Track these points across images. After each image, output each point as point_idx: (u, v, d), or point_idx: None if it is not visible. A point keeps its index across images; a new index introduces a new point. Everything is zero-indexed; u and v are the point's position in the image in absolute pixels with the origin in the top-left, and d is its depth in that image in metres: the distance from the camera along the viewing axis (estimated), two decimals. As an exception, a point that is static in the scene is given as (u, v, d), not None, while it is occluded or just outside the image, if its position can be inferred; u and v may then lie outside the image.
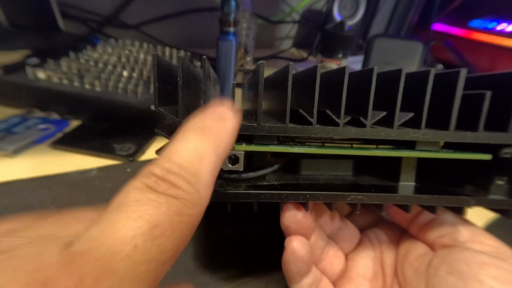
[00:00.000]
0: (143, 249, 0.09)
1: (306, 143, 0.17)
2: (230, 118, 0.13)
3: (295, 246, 0.17)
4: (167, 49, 0.54)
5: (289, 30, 0.88)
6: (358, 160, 0.20)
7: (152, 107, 0.14)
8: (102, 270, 0.09)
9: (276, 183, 0.18)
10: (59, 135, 0.36)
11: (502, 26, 0.57)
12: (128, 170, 0.32)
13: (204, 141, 0.12)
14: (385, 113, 0.15)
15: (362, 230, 0.22)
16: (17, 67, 0.41)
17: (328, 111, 0.15)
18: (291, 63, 0.14)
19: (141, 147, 0.35)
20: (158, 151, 0.15)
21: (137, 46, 0.53)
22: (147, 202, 0.10)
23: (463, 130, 0.15)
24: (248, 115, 0.18)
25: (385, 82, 0.15)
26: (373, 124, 0.15)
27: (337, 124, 0.15)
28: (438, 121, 0.15)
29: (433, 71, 0.15)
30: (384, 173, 0.20)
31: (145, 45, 0.53)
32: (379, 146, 0.17)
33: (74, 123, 0.39)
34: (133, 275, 0.09)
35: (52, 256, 0.09)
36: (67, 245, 0.09)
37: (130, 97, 0.38)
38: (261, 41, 0.76)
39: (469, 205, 0.17)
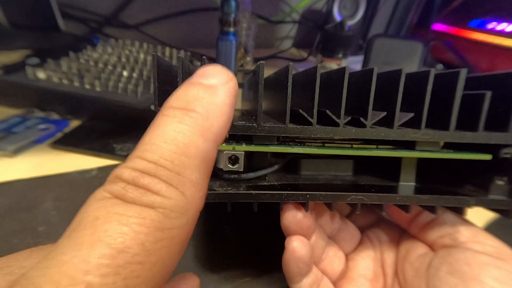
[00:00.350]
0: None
1: (306, 143, 0.17)
2: (222, 84, 0.10)
3: (296, 246, 0.17)
4: (167, 49, 0.54)
5: (289, 30, 0.88)
6: (358, 160, 0.20)
7: (152, 107, 0.14)
8: None
9: (276, 183, 0.18)
10: (59, 135, 0.36)
11: (502, 26, 0.57)
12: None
13: (188, 123, 0.09)
14: (385, 113, 0.15)
15: (363, 230, 0.22)
16: (17, 67, 0.41)
17: (328, 111, 0.15)
18: (291, 63, 0.14)
19: (141, 147, 0.35)
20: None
21: (137, 46, 0.53)
22: (109, 218, 0.07)
23: (463, 130, 0.15)
24: (248, 115, 0.18)
25: (385, 83, 0.15)
26: (373, 124, 0.15)
27: (337, 125, 0.15)
28: (438, 121, 0.15)
29: (433, 71, 0.15)
30: (384, 173, 0.20)
31: (145, 45, 0.53)
32: (379, 146, 0.17)
33: (74, 123, 0.39)
34: None
35: None
36: (13, 283, 0.07)
37: (130, 97, 0.38)
38: (261, 41, 0.76)
39: (469, 205, 0.17)
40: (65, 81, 0.39)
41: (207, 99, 0.09)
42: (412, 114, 0.15)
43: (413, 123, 0.15)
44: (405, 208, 0.17)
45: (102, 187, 0.08)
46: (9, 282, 0.07)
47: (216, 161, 0.17)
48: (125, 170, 0.08)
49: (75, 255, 0.07)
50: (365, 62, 0.56)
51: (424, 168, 0.19)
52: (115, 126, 0.38)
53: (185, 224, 0.08)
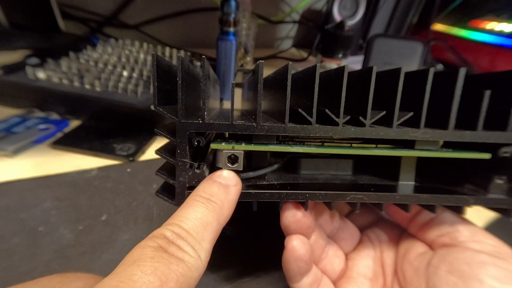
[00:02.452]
0: None
1: (306, 143, 0.17)
2: (233, 186, 0.15)
3: (295, 245, 0.17)
4: (167, 49, 0.54)
5: (289, 30, 0.88)
6: (357, 160, 0.20)
7: (152, 107, 0.14)
8: None
9: (275, 182, 0.18)
10: (59, 135, 0.36)
11: (502, 26, 0.57)
12: (128, 170, 0.32)
13: (210, 210, 0.14)
14: (384, 112, 0.15)
15: (362, 229, 0.22)
16: (17, 67, 0.41)
17: (327, 110, 0.15)
18: (290, 62, 0.14)
19: (141, 147, 0.35)
20: (158, 151, 0.15)
21: (137, 46, 0.53)
22: (160, 260, 0.11)
23: (462, 129, 0.15)
24: (247, 114, 0.18)
25: (385, 82, 0.15)
26: (373, 123, 0.15)
27: (336, 124, 0.15)
28: (438, 120, 0.16)
29: (432, 70, 0.15)
30: (383, 172, 0.20)
31: (145, 45, 0.53)
32: (379, 146, 0.17)
33: (74, 123, 0.39)
34: None
35: None
36: None
37: (130, 97, 0.38)
38: (261, 41, 0.76)
39: (469, 204, 0.17)
40: (65, 81, 0.39)
41: (224, 197, 0.14)
42: (411, 113, 0.15)
43: (412, 122, 0.15)
44: (404, 207, 0.17)
45: (152, 239, 0.12)
46: None
47: (216, 160, 0.17)
48: (167, 231, 0.12)
49: (140, 277, 0.10)
50: (365, 62, 0.56)
51: (424, 167, 0.19)
52: (115, 126, 0.38)
53: (197, 277, 0.12)
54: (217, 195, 0.14)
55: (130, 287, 0.10)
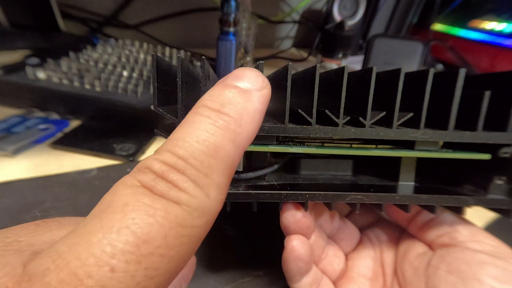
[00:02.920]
0: (123, 274, 0.07)
1: (306, 143, 0.17)
2: (257, 90, 0.10)
3: (295, 245, 0.17)
4: (167, 49, 0.54)
5: (289, 30, 0.88)
6: (357, 160, 0.20)
7: (152, 107, 0.14)
8: None
9: (275, 183, 0.18)
10: (59, 135, 0.36)
11: (502, 26, 0.57)
12: (128, 170, 0.32)
13: (220, 126, 0.09)
14: (384, 113, 0.15)
15: (362, 229, 0.22)
16: (17, 67, 0.41)
17: (327, 111, 0.15)
18: (290, 63, 0.14)
19: (141, 147, 0.35)
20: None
21: (137, 46, 0.53)
22: (138, 207, 0.08)
23: (462, 130, 0.15)
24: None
25: (385, 82, 0.15)
26: (372, 124, 0.15)
27: (336, 124, 0.15)
28: (437, 121, 0.16)
29: (432, 71, 0.15)
30: (383, 173, 0.20)
31: (145, 45, 0.53)
32: (379, 146, 0.17)
33: (74, 123, 0.39)
34: None
35: (11, 271, 0.07)
36: (34, 255, 0.07)
37: (130, 97, 0.38)
38: (261, 41, 0.76)
39: (468, 204, 0.17)
40: (65, 81, 0.39)
41: (241, 105, 0.10)
42: (411, 114, 0.15)
43: (412, 123, 0.15)
44: (404, 207, 0.17)
45: (132, 175, 0.08)
46: (27, 255, 0.08)
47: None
48: (156, 163, 0.08)
49: (103, 237, 0.07)
50: (365, 62, 0.56)
51: (424, 167, 0.19)
52: (115, 126, 0.38)
53: (205, 224, 0.09)
54: (232, 104, 0.10)
55: (83, 254, 0.07)
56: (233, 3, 0.42)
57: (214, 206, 0.09)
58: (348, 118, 0.15)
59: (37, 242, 0.09)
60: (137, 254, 0.07)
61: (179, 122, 0.14)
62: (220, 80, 0.11)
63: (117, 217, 0.07)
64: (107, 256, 0.07)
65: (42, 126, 0.36)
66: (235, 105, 0.10)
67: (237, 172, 0.17)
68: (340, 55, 0.58)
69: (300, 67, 0.69)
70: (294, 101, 0.15)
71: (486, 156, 0.16)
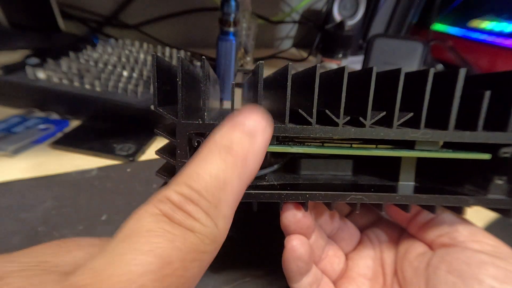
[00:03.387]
0: None
1: (306, 143, 0.17)
2: (261, 132, 0.11)
3: (295, 244, 0.17)
4: (167, 49, 0.54)
5: (289, 30, 0.88)
6: (357, 160, 0.20)
7: (152, 107, 0.14)
8: None
9: (275, 183, 0.18)
10: (59, 135, 0.36)
11: (502, 26, 0.57)
12: (128, 170, 0.32)
13: (229, 164, 0.10)
14: (384, 113, 0.15)
15: (362, 229, 0.22)
16: (17, 67, 0.41)
17: (327, 111, 0.15)
18: (290, 63, 0.14)
19: (141, 147, 0.35)
20: (158, 152, 0.15)
21: (137, 46, 0.53)
22: (161, 233, 0.09)
23: (462, 129, 0.15)
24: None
25: (385, 82, 0.15)
26: (373, 124, 0.15)
27: (336, 124, 0.15)
28: (437, 121, 0.16)
29: (432, 71, 0.15)
30: (383, 172, 0.20)
31: (145, 45, 0.53)
32: (379, 146, 0.17)
33: (74, 123, 0.39)
34: None
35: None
36: (66, 275, 0.08)
37: (130, 97, 0.38)
38: (261, 41, 0.76)
39: (468, 204, 0.17)
40: (65, 81, 0.39)
41: (248, 146, 0.11)
42: (411, 114, 0.15)
43: (412, 123, 0.15)
44: (404, 207, 0.17)
45: (153, 204, 0.09)
46: (59, 274, 0.08)
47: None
48: (174, 194, 0.10)
49: (133, 258, 0.08)
50: (365, 62, 0.56)
51: (424, 167, 0.19)
52: (115, 126, 0.38)
53: (214, 250, 0.10)
54: (239, 144, 0.11)
55: (119, 272, 0.08)
56: (233, 3, 0.42)
57: (221, 235, 0.10)
58: (348, 118, 0.15)
59: (61, 263, 0.10)
60: (160, 274, 0.08)
61: (179, 122, 0.14)
62: (229, 118, 0.12)
63: (143, 241, 0.08)
64: (137, 275, 0.08)
65: (42, 126, 0.36)
66: (242, 146, 0.11)
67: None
68: (340, 55, 0.58)
69: (300, 67, 0.69)
70: (294, 101, 0.15)
71: (486, 156, 0.16)
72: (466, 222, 0.18)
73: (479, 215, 0.28)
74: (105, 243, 0.09)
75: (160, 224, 0.09)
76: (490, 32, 0.59)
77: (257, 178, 0.18)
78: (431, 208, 0.17)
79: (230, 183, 0.10)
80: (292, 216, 0.17)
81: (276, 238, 0.20)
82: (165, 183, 0.17)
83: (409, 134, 0.15)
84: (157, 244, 0.08)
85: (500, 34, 0.57)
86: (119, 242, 0.09)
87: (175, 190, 0.10)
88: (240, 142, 0.11)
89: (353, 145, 0.17)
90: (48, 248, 0.11)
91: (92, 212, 0.26)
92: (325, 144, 0.17)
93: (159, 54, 0.14)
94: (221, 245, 0.10)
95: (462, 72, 0.14)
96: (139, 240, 0.08)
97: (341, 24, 0.56)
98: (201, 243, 0.09)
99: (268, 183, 0.17)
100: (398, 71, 0.15)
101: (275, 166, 0.19)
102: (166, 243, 0.09)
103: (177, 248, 0.09)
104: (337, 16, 0.70)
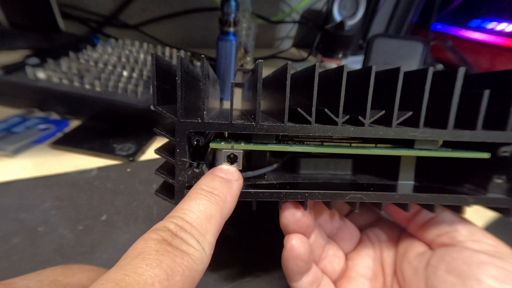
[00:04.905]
0: None
1: (305, 142, 0.17)
2: (235, 180, 0.15)
3: (294, 243, 0.17)
4: (167, 49, 0.54)
5: (289, 30, 0.88)
6: (357, 159, 0.20)
7: (152, 107, 0.14)
8: None
9: (275, 182, 0.18)
10: (59, 135, 0.36)
11: (502, 26, 0.57)
12: (128, 170, 0.32)
13: (213, 203, 0.13)
14: (383, 112, 0.15)
15: (362, 229, 0.22)
16: (17, 67, 0.41)
17: (326, 110, 0.15)
18: (289, 62, 0.14)
19: (141, 147, 0.35)
20: (157, 150, 0.15)
21: (137, 46, 0.53)
22: (165, 253, 0.11)
23: (462, 128, 0.15)
24: (247, 114, 0.18)
25: (384, 81, 0.15)
26: (372, 123, 0.15)
27: (335, 123, 0.15)
28: (437, 120, 0.16)
29: (431, 70, 0.15)
30: (383, 172, 0.20)
31: (145, 45, 0.53)
32: (378, 145, 0.17)
33: (74, 123, 0.39)
34: None
35: None
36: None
37: (130, 97, 0.38)
38: (261, 41, 0.77)
39: (468, 203, 0.17)
40: (65, 81, 0.39)
41: (226, 190, 0.14)
42: (410, 113, 0.15)
43: (411, 122, 0.15)
44: (404, 206, 0.17)
45: (155, 232, 0.12)
46: None
47: (215, 160, 0.17)
48: (171, 224, 0.12)
49: (146, 270, 0.10)
50: (365, 62, 0.56)
51: (423, 166, 0.19)
52: (115, 126, 0.38)
53: (202, 270, 0.12)
54: (220, 189, 0.14)
55: (135, 281, 0.10)
56: (233, 3, 0.42)
57: (207, 258, 0.12)
58: (348, 117, 0.15)
59: (71, 283, 0.12)
60: (165, 284, 0.10)
61: (178, 121, 0.14)
62: (210, 171, 0.16)
63: (152, 258, 0.11)
64: (150, 284, 0.10)
65: (42, 126, 0.36)
66: (222, 189, 0.14)
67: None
68: (340, 55, 0.58)
69: (300, 67, 0.69)
70: (294, 100, 0.15)
71: (485, 155, 0.16)
72: (466, 221, 0.18)
73: (478, 214, 0.28)
74: (102, 269, 0.13)
75: (163, 246, 0.11)
76: (490, 32, 0.59)
77: (257, 177, 0.18)
78: (430, 207, 0.17)
79: (214, 217, 0.13)
80: (291, 215, 0.17)
81: (276, 237, 0.20)
82: (164, 182, 0.17)
83: (408, 133, 0.15)
84: (163, 261, 0.11)
85: (500, 34, 0.57)
86: (132, 259, 0.10)
87: (172, 221, 0.12)
88: (220, 187, 0.14)
89: (353, 144, 0.17)
90: (57, 270, 0.13)
91: (92, 212, 0.26)
92: (325, 143, 0.17)
93: (158, 53, 0.14)
94: (206, 266, 0.12)
95: (461, 71, 0.14)
96: (149, 257, 0.11)
97: (341, 24, 0.56)
98: (194, 263, 0.11)
99: (267, 182, 0.17)
100: (397, 70, 0.15)
101: (275, 165, 0.19)
102: (170, 261, 0.11)
103: (178, 265, 0.11)
104: (337, 16, 0.70)
